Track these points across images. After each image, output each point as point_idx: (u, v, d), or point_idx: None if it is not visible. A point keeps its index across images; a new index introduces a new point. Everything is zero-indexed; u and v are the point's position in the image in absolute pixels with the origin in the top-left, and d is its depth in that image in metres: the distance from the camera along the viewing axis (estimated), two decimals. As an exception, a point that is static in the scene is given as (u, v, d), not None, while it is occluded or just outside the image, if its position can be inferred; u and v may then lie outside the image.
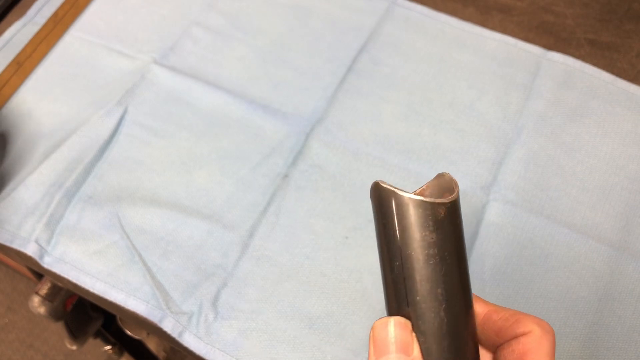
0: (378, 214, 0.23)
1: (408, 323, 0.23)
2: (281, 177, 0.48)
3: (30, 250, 0.44)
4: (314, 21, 0.58)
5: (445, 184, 0.24)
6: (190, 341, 0.41)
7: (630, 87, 0.53)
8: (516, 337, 0.25)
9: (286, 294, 0.43)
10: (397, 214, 0.22)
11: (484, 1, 0.59)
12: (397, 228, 0.22)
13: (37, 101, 0.52)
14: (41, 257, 0.44)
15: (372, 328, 0.23)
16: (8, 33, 0.55)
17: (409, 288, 0.22)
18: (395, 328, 0.23)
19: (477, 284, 0.43)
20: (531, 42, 0.56)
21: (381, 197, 0.22)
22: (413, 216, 0.22)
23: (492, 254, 0.44)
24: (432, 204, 0.22)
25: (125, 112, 0.51)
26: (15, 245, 0.44)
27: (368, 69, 0.54)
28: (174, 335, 0.42)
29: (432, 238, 0.22)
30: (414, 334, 0.23)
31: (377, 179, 0.49)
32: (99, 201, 0.47)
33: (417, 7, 0.58)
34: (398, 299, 0.23)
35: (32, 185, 0.47)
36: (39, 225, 0.45)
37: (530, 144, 0.50)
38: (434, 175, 0.48)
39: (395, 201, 0.22)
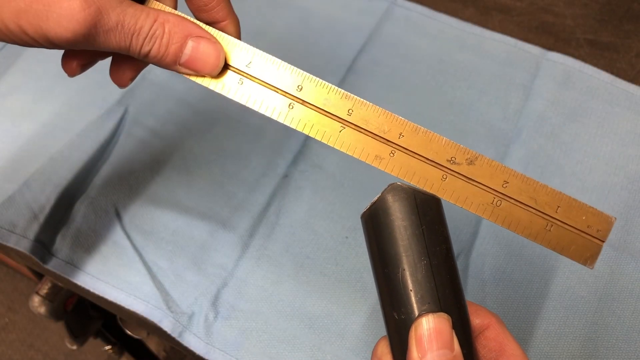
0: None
1: (449, 318, 0.22)
2: (281, 177, 0.48)
3: (30, 250, 0.44)
4: (314, 21, 0.58)
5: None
6: (190, 341, 0.41)
7: (630, 87, 0.53)
8: (480, 331, 0.25)
9: (286, 294, 0.43)
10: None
11: (484, 1, 0.59)
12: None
13: (37, 101, 0.52)
14: (41, 257, 0.44)
15: (414, 325, 0.22)
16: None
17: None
18: (440, 324, 0.22)
19: (477, 284, 0.43)
20: (531, 42, 0.56)
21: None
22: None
23: (492, 253, 0.44)
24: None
25: (125, 112, 0.51)
26: (16, 245, 0.44)
27: (368, 69, 0.54)
28: (174, 335, 0.42)
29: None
30: (453, 330, 0.22)
31: (376, 178, 0.49)
32: (99, 201, 0.47)
33: (417, 7, 0.58)
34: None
35: (32, 185, 0.47)
36: (39, 225, 0.45)
37: (529, 144, 0.50)
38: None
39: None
